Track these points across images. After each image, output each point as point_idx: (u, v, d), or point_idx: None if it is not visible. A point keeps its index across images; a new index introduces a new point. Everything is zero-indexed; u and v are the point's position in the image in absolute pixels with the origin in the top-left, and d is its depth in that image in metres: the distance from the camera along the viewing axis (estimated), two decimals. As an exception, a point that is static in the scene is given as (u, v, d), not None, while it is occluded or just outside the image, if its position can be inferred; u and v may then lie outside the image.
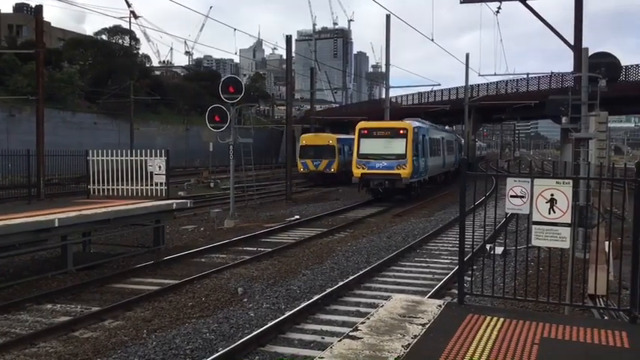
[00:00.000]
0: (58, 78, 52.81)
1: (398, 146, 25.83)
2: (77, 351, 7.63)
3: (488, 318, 5.52)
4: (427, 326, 5.22)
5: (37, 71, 26.78)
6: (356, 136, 26.87)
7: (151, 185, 16.92)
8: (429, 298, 8.87)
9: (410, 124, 27.12)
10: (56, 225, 11.47)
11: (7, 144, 37.12)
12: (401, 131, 26.19)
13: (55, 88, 49.01)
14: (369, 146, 26.29)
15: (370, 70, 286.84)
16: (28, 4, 78.13)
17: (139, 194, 16.83)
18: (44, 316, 9.36)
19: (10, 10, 78.06)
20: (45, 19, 30.28)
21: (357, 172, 26.36)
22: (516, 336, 5.03)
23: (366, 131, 26.64)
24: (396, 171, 25.68)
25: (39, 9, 27.51)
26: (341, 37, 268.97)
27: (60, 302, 10.07)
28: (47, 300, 10.10)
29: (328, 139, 39.53)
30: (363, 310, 9.53)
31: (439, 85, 41.72)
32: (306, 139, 40.11)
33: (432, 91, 56.25)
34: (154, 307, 9.73)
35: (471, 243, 7.07)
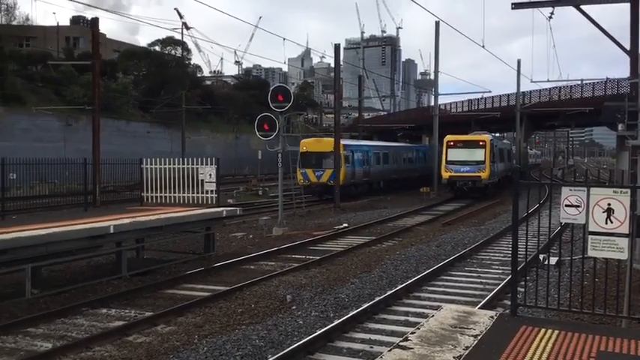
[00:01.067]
0: (113, 88, 54.36)
1: (478, 154, 33.00)
2: (131, 355, 7.81)
3: (543, 330, 5.39)
4: (479, 337, 5.14)
5: (93, 82, 27.60)
6: (444, 147, 33.96)
7: (202, 193, 17.18)
8: (480, 308, 8.72)
9: (487, 137, 34.72)
10: (111, 231, 11.80)
11: (65, 152, 38.42)
12: (481, 142, 33.53)
13: (110, 98, 50.46)
14: (455, 155, 33.37)
15: (418, 77, 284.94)
16: (85, 17, 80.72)
17: (190, 202, 17.12)
18: (99, 320, 9.61)
19: (67, 23, 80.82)
20: (100, 31, 31.22)
21: (445, 175, 33.77)
22: (572, 349, 4.90)
23: (452, 143, 33.93)
24: (477, 174, 32.72)
25: (95, 21, 28.38)
26: (389, 44, 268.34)
27: (114, 307, 10.33)
28: (102, 305, 10.38)
29: (333, 144, 31.85)
30: (412, 319, 9.45)
31: (489, 91, 41.19)
32: (307, 144, 34.02)
33: (482, 98, 55.35)
34: (204, 313, 9.87)
35: (524, 253, 6.93)
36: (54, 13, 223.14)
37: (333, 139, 31.53)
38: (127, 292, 11.17)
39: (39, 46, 61.80)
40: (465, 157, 32.95)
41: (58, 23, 73.44)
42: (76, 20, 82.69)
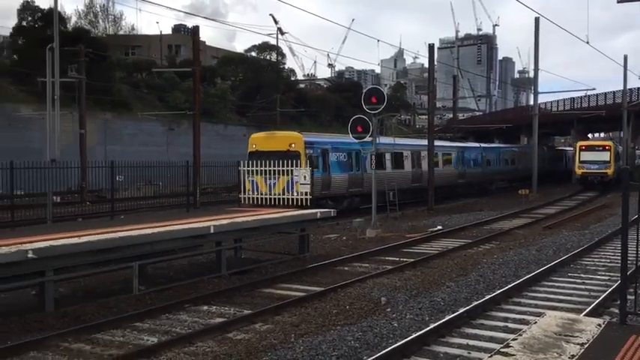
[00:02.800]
0: (212, 93, 56.37)
1: (605, 156, 41.24)
2: (231, 351, 8.05)
3: (656, 341, 5.07)
4: (586, 346, 4.91)
5: (194, 88, 28.76)
6: (577, 150, 42.40)
7: (297, 195, 17.47)
8: (585, 316, 8.32)
9: (611, 142, 44.11)
10: (212, 232, 12.24)
11: (167, 156, 40.23)
12: (606, 147, 42.14)
13: (209, 103, 52.35)
14: (586, 156, 41.50)
15: (516, 75, 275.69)
16: (186, 25, 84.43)
17: (285, 203, 17.45)
18: (201, 316, 9.98)
19: (169, 31, 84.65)
20: (200, 39, 32.49)
21: (579, 171, 41.78)
22: (690, 362, 4.58)
23: (584, 147, 42.38)
24: (604, 171, 40.82)
25: (196, 30, 29.55)
26: (485, 42, 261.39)
27: (215, 304, 10.69)
28: (203, 302, 10.76)
29: (290, 140, 23.96)
30: (511, 326, 9.15)
31: (594, 89, 39.46)
32: (257, 141, 24.73)
33: (585, 96, 52.92)
34: (300, 313, 10.02)
35: (634, 258, 6.54)
36: (157, 23, 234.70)
37: (292, 133, 25.11)
38: (226, 291, 11.52)
39: (143, 55, 65.11)
40: (594, 158, 41.22)
41: (161, 32, 77.24)
42: (178, 29, 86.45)
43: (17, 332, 8.86)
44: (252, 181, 23.11)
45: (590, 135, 67.21)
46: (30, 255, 8.99)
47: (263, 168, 20.57)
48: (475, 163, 39.36)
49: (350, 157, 25.48)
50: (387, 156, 28.29)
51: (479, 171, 39.73)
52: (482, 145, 43.27)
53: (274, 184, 22.48)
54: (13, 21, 61.93)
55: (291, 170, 17.97)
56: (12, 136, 37.02)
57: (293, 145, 23.48)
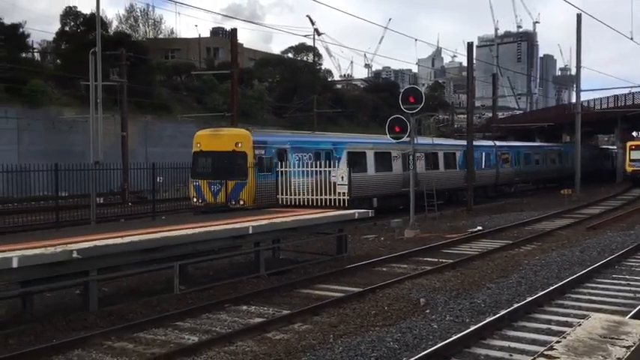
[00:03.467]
0: (250, 95, 56.78)
1: None
2: (270, 351, 8.10)
3: None
4: (632, 349, 4.77)
5: (231, 90, 29.07)
6: (627, 149, 45.78)
7: (335, 195, 17.46)
8: (630, 318, 8.11)
9: None
10: (250, 232, 12.34)
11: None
12: None
13: (246, 104, 52.78)
14: (636, 155, 44.94)
15: (558, 73, 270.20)
16: (224, 28, 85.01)
17: (323, 204, 17.46)
18: (240, 316, 10.07)
19: (208, 34, 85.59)
20: (238, 41, 32.79)
21: (629, 169, 45.38)
22: None
23: (634, 147, 45.71)
24: None
25: (234, 32, 29.87)
26: (525, 40, 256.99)
27: (254, 304, 10.77)
28: (243, 302, 10.86)
29: (236, 139, 20.72)
30: (554, 328, 8.98)
31: (638, 86, 38.38)
32: (202, 139, 21.75)
33: (629, 94, 51.46)
34: (339, 314, 10.02)
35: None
36: (196, 26, 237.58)
37: (239, 131, 22.05)
38: (265, 291, 11.60)
39: (182, 58, 66.04)
40: None
41: (199, 35, 78.06)
42: (216, 32, 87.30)
43: (62, 331, 9.10)
44: (197, 185, 20.84)
45: (634, 133, 65.70)
46: (75, 255, 9.20)
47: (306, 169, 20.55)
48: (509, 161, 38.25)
49: (318, 158, 21.20)
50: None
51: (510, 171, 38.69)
52: (508, 143, 42.04)
53: (218, 190, 20.18)
54: (56, 26, 63.46)
55: (329, 171, 17.87)
56: (56, 138, 38.01)
57: (239, 145, 20.36)
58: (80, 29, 47.76)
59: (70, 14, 48.78)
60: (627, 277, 12.80)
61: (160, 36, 71.14)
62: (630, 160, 45.51)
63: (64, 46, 48.77)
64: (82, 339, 8.55)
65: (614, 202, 33.13)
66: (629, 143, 47.14)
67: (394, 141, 20.79)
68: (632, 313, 9.42)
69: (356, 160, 24.01)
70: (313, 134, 24.89)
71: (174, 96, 54.03)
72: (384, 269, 14.24)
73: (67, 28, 48.96)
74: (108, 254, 9.88)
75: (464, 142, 31.34)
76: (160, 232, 11.30)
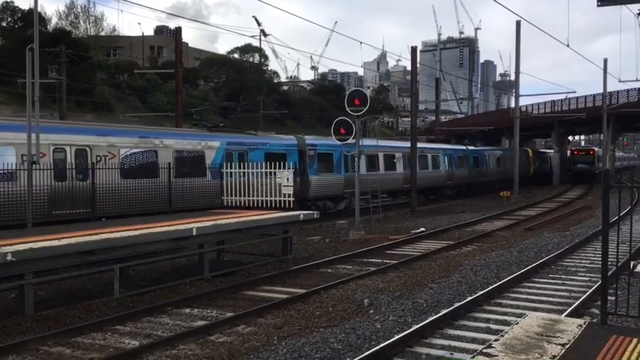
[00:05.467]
0: (195, 95, 56.08)
1: (590, 158, 57.24)
2: (213, 354, 8.00)
3: (635, 340, 5.12)
4: (567, 347, 4.95)
5: (176, 89, 28.56)
6: (571, 153, 59.81)
7: (280, 197, 17.42)
8: (566, 316, 8.39)
9: (595, 148, 56.25)
10: (194, 234, 12.16)
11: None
12: (591, 152, 57.94)
13: (191, 104, 52.11)
14: (578, 158, 57.15)
15: (498, 78, 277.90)
16: (168, 27, 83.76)
17: (268, 205, 17.39)
18: (183, 319, 9.91)
19: (151, 33, 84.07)
20: (183, 40, 32.33)
21: (573, 167, 57.49)
22: (669, 362, 4.63)
23: (576, 152, 59.16)
24: (589, 167, 55.32)
25: (178, 31, 29.37)
26: (467, 45, 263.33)
27: (197, 307, 10.62)
28: (186, 304, 10.69)
29: None
30: (493, 327, 9.20)
31: (574, 92, 39.73)
32: None
33: (565, 99, 53.47)
34: (283, 315, 9.99)
35: (614, 258, 6.62)
36: (139, 24, 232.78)
37: None
38: (208, 293, 11.46)
39: (125, 56, 64.62)
40: (583, 159, 57.20)
41: (143, 33, 76.62)
42: (160, 30, 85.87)
43: (-4, 336, 8.74)
44: None
45: (570, 138, 68.90)
46: (9, 258, 8.86)
47: (244, 170, 20.36)
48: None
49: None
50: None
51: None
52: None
53: None
54: (-8, 21, 61.00)
55: (275, 172, 17.85)
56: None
57: None
58: (18, 25, 46.18)
59: (7, 9, 47.09)
60: (563, 276, 13.24)
61: (102, 33, 69.30)
62: (574, 162, 58.78)
63: (1, 42, 47.02)
64: (17, 344, 8.24)
65: (551, 204, 34.27)
66: (574, 149, 62.61)
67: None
68: (568, 311, 9.74)
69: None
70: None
71: (117, 95, 52.83)
72: (329, 270, 14.29)
73: (3, 24, 47.24)
74: (44, 257, 9.56)
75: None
76: (99, 233, 11.01)
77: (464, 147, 42.77)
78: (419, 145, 32.31)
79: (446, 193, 37.94)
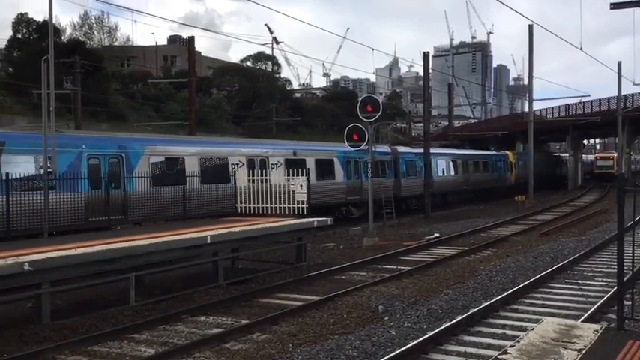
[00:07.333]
0: (208, 104, 56.32)
1: (610, 162, 65.07)
2: (228, 362, 8.03)
3: (653, 346, 5.08)
4: (583, 352, 4.91)
5: (189, 98, 28.74)
6: (595, 159, 69.03)
7: (293, 204, 17.43)
8: (583, 322, 8.32)
9: (614, 154, 61.34)
10: (208, 241, 12.22)
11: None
12: (611, 157, 65.49)
13: (204, 113, 52.35)
14: (600, 162, 66.92)
15: (511, 83, 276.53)
16: (181, 36, 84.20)
17: (282, 212, 17.41)
18: (198, 327, 9.95)
19: (165, 42, 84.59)
20: (196, 49, 32.53)
21: (596, 171, 65.96)
22: (687, 367, 4.59)
23: (599, 157, 67.07)
24: (609, 171, 62.16)
25: (191, 40, 29.59)
26: (479, 50, 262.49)
27: (212, 314, 10.66)
28: (201, 312, 10.73)
29: None
30: (509, 332, 9.14)
31: (588, 95, 39.39)
32: None
33: (579, 103, 53.11)
34: (298, 322, 10.00)
35: (630, 263, 6.57)
36: (152, 34, 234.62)
37: None
38: (223, 301, 11.50)
39: (139, 66, 65.12)
40: (604, 163, 66.03)
41: (156, 43, 77.04)
42: (173, 40, 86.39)
43: (14, 345, 8.83)
44: None
45: (585, 141, 69.06)
46: (26, 267, 8.96)
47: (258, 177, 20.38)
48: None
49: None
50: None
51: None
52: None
53: None
54: (8, 33, 61.84)
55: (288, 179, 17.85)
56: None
57: None
58: (33, 37, 46.67)
59: (22, 21, 47.64)
60: (579, 281, 13.13)
61: (116, 44, 69.90)
62: (597, 166, 67.28)
63: (17, 53, 47.57)
64: (34, 353, 8.33)
65: (566, 208, 34.02)
66: (596, 155, 73.02)
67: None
68: (584, 316, 9.66)
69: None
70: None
71: (131, 104, 53.17)
72: (343, 277, 14.28)
73: (19, 36, 47.80)
74: (60, 266, 9.65)
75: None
76: (114, 242, 11.09)
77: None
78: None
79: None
